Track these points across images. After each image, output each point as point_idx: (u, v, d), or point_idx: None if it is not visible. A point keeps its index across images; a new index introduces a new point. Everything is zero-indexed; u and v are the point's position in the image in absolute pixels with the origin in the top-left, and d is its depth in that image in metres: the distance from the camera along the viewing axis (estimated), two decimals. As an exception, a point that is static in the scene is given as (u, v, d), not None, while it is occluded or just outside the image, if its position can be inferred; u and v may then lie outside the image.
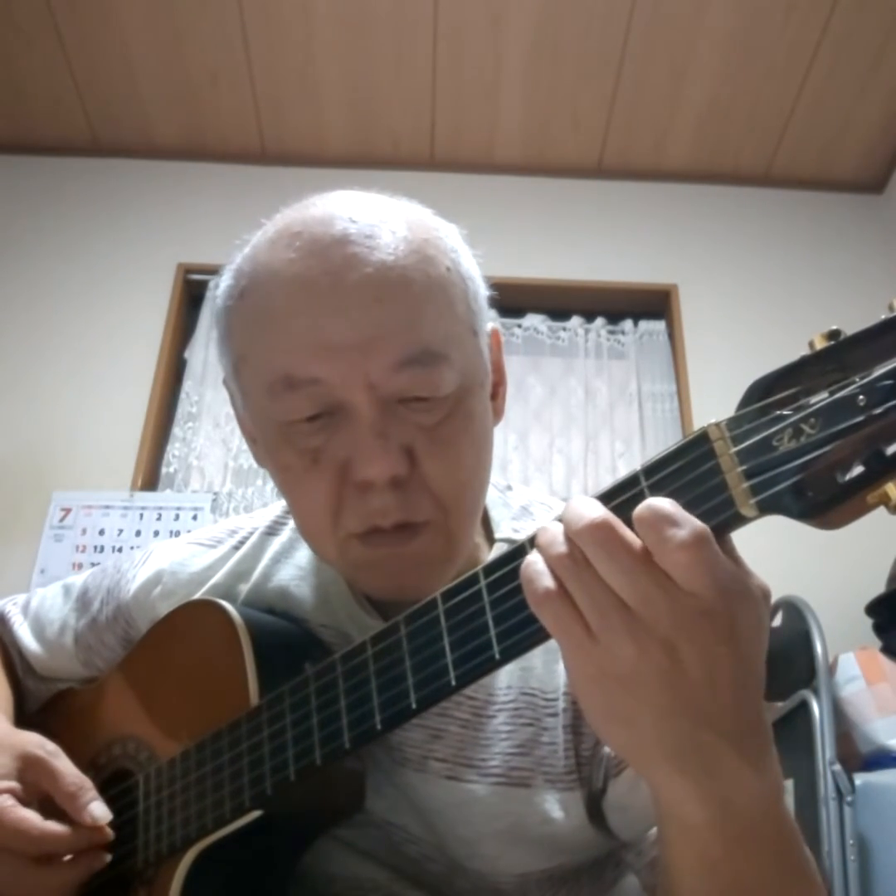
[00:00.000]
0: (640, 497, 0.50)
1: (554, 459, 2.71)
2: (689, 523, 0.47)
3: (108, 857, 0.77)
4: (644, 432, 2.76)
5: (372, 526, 0.70)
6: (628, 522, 0.49)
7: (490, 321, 0.81)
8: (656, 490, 0.50)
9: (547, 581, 0.50)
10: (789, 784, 1.83)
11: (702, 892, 0.56)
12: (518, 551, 0.56)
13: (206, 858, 0.73)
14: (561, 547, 0.50)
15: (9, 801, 0.75)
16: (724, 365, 2.76)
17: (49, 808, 0.78)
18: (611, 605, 0.48)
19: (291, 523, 0.92)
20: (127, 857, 0.79)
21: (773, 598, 2.05)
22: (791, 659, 2.01)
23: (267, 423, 0.73)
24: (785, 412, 0.46)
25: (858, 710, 1.90)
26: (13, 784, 0.77)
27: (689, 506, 0.48)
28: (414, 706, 0.60)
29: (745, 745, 0.50)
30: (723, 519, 0.48)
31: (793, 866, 0.58)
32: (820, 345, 0.47)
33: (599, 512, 0.49)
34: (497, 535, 0.85)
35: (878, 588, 2.15)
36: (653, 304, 3.02)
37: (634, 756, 0.52)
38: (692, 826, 0.52)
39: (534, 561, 0.51)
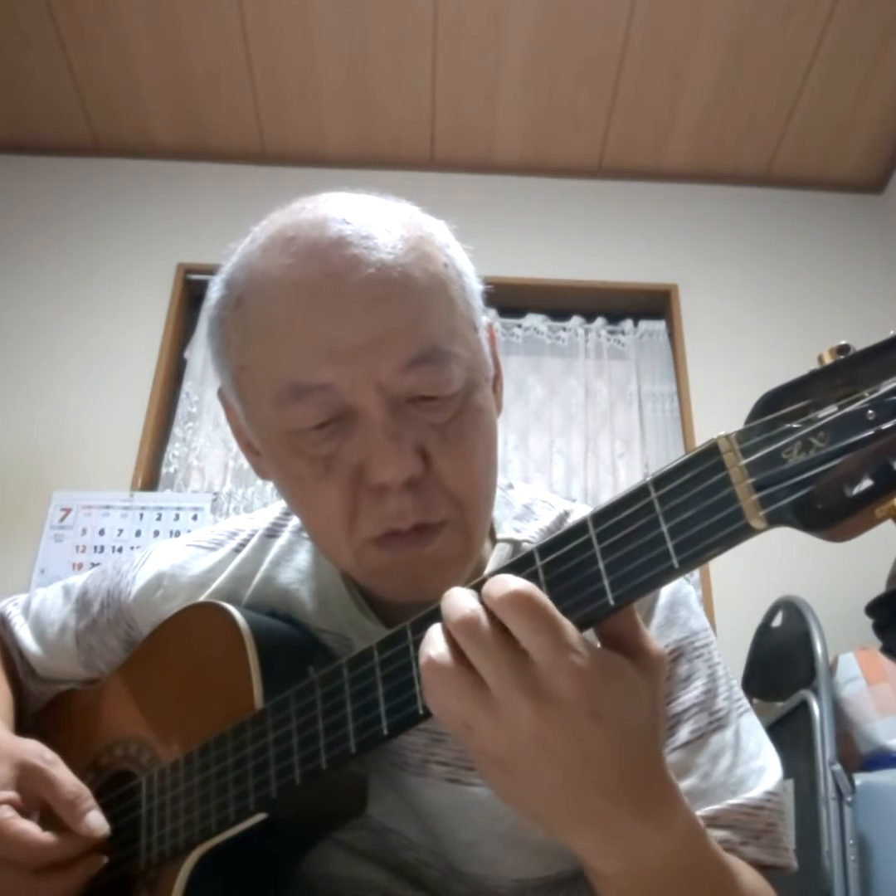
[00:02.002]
0: (650, 508, 0.51)
1: (554, 459, 2.71)
2: (516, 580, 0.51)
3: (105, 860, 0.78)
4: (644, 432, 2.77)
5: (389, 529, 0.70)
6: (632, 536, 0.51)
7: (484, 316, 0.80)
8: (667, 500, 0.50)
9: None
10: (789, 784, 1.83)
11: None
12: (525, 560, 0.56)
13: (209, 861, 0.73)
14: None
15: (8, 813, 0.75)
16: (724, 365, 2.77)
17: (48, 816, 0.78)
18: (474, 699, 0.52)
19: (291, 525, 0.92)
20: (129, 859, 0.80)
21: (774, 598, 2.03)
22: (791, 659, 2.01)
23: (273, 433, 0.72)
24: (794, 425, 0.47)
25: (858, 710, 1.91)
26: (12, 794, 0.77)
27: (699, 516, 0.49)
28: (421, 712, 0.60)
29: (640, 806, 0.53)
30: (732, 530, 0.48)
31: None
32: (829, 359, 0.47)
33: (469, 607, 0.53)
34: (499, 535, 0.85)
35: (878, 588, 2.16)
36: (653, 304, 3.02)
37: (542, 823, 0.55)
38: (606, 875, 0.56)
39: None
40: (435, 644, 0.53)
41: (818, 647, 1.96)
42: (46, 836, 0.75)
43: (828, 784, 1.74)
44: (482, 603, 0.53)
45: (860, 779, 1.76)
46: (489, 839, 0.76)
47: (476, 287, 0.78)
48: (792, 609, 2.09)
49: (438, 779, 0.77)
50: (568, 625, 0.51)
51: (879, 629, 2.12)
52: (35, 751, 0.81)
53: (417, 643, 0.62)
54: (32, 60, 2.85)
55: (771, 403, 0.48)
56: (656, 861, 0.55)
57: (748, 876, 0.70)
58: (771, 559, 2.26)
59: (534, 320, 2.96)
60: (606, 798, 0.51)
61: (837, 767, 1.76)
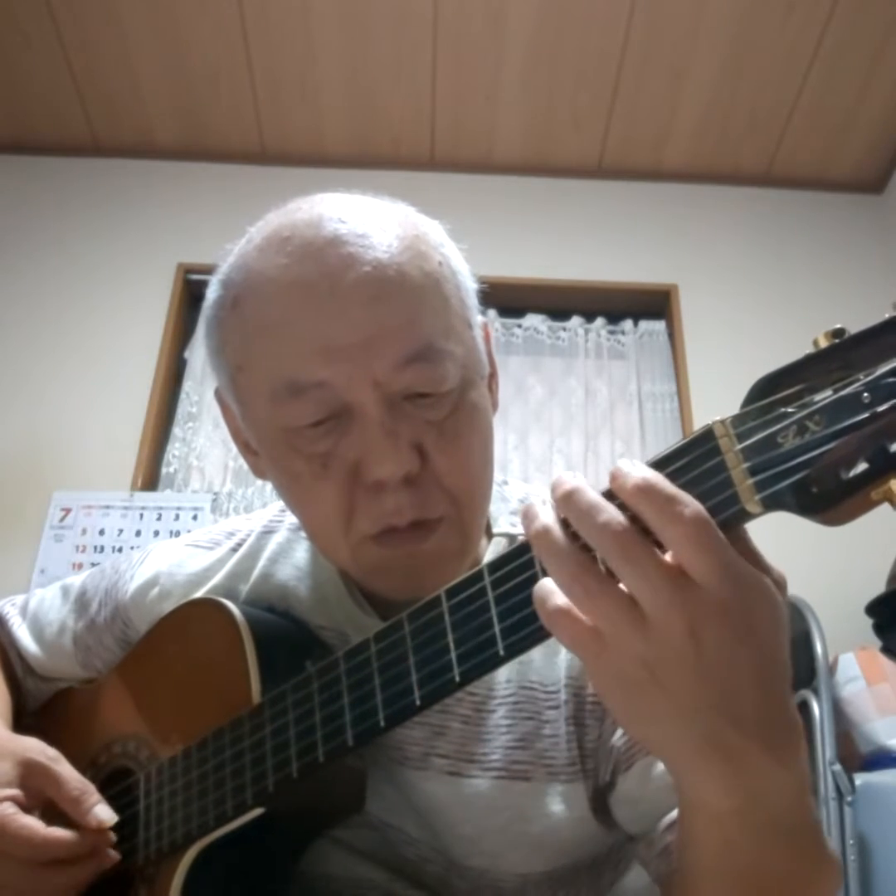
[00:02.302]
0: None
1: (554, 459, 2.71)
2: (694, 503, 0.47)
3: (116, 856, 0.78)
4: (644, 432, 2.76)
5: (386, 526, 0.70)
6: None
7: (479, 315, 0.81)
8: None
9: (558, 598, 0.49)
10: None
11: (722, 873, 0.57)
12: (522, 549, 0.56)
13: (208, 856, 0.73)
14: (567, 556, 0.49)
15: (11, 809, 0.75)
16: (724, 365, 2.76)
17: (51, 813, 0.78)
18: (623, 615, 0.47)
19: (287, 522, 0.92)
20: (128, 855, 0.79)
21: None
22: (791, 659, 2.01)
23: (271, 431, 0.73)
24: (789, 409, 0.47)
25: (858, 710, 1.91)
26: (15, 791, 0.77)
27: None
28: (418, 703, 0.60)
29: (771, 741, 0.49)
30: (727, 515, 0.48)
31: (813, 856, 0.59)
32: (824, 343, 0.47)
33: (615, 514, 0.48)
34: (495, 530, 0.85)
35: (878, 588, 2.16)
36: (653, 304, 3.02)
37: (661, 751, 0.52)
38: (717, 812, 0.52)
39: (545, 581, 0.51)
40: (575, 556, 0.49)
41: (818, 647, 1.96)
42: (49, 832, 0.75)
43: (828, 784, 1.74)
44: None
45: (860, 779, 1.76)
46: (490, 833, 0.76)
47: (471, 285, 0.79)
48: (792, 609, 2.09)
49: (439, 772, 0.77)
50: (731, 548, 0.47)
51: (879, 629, 2.12)
52: (37, 748, 0.81)
53: (414, 634, 0.62)
54: (32, 60, 2.85)
55: (766, 388, 0.48)
56: (775, 805, 0.52)
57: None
58: (770, 559, 2.25)
59: (534, 320, 2.96)
60: (742, 728, 0.48)
61: (837, 767, 1.76)
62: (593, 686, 0.61)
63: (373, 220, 0.72)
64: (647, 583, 0.47)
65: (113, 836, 0.77)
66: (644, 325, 2.98)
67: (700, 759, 0.49)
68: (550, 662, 0.79)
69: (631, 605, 0.47)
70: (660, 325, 2.99)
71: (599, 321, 2.97)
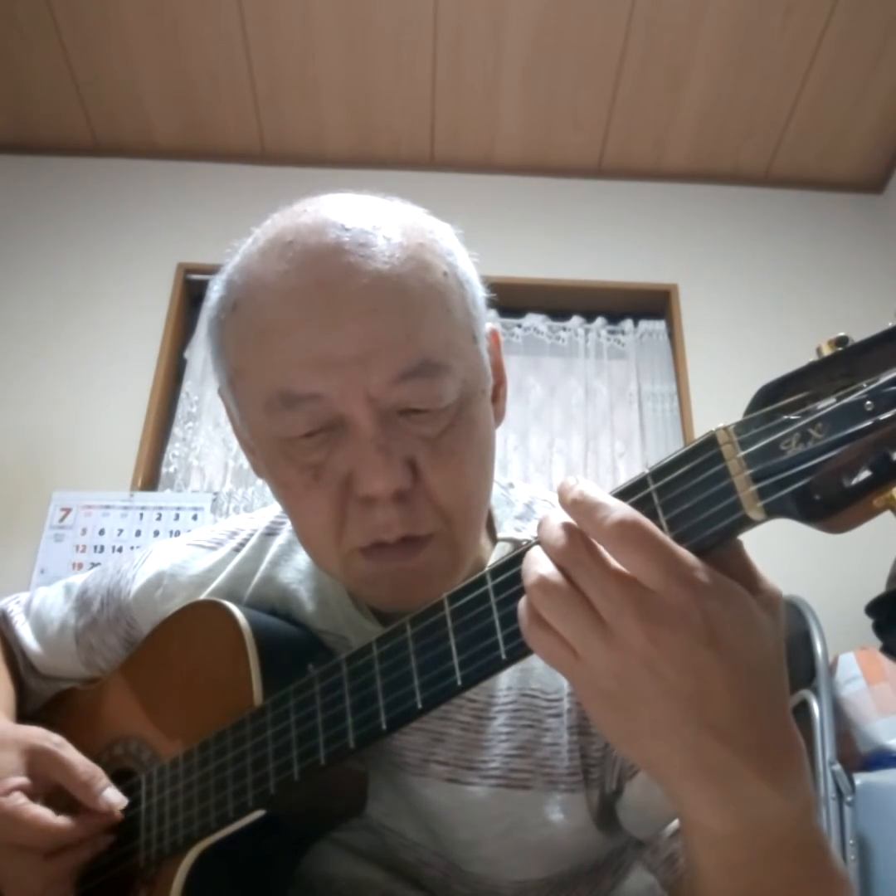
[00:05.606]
0: (648, 500, 0.50)
1: (554, 459, 2.71)
2: (621, 508, 0.47)
3: (110, 838, 0.79)
4: (644, 432, 2.76)
5: (376, 540, 0.70)
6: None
7: (488, 322, 0.79)
8: (664, 492, 0.50)
9: (527, 609, 0.50)
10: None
11: (724, 893, 0.56)
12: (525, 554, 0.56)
13: (208, 857, 0.74)
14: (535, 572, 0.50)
15: (21, 799, 0.76)
16: (724, 365, 2.77)
17: (55, 799, 0.79)
18: (585, 622, 0.48)
19: (288, 524, 0.92)
20: (129, 856, 0.80)
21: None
22: (791, 659, 2.00)
23: (265, 438, 0.72)
24: (793, 417, 0.47)
25: (858, 710, 1.91)
26: (22, 780, 0.78)
27: (697, 508, 0.49)
28: (420, 706, 0.60)
29: (766, 763, 0.48)
30: (731, 522, 0.48)
31: (821, 875, 0.58)
32: (827, 351, 0.47)
33: (568, 532, 0.49)
34: (500, 535, 0.85)
35: (878, 588, 2.16)
36: (653, 304, 3.02)
37: (650, 770, 0.51)
38: (715, 837, 0.52)
39: (521, 605, 0.51)
40: (543, 563, 0.50)
41: (818, 647, 1.96)
42: (60, 820, 0.76)
43: (828, 784, 1.74)
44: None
45: (860, 779, 1.76)
46: (489, 839, 0.76)
47: (479, 295, 0.77)
48: (792, 609, 2.09)
49: (437, 778, 0.77)
50: (681, 549, 0.47)
51: (879, 629, 2.12)
52: (41, 734, 0.82)
53: (416, 637, 0.62)
54: (32, 60, 2.85)
55: (769, 395, 0.48)
56: (777, 828, 0.50)
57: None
58: (771, 559, 2.24)
59: (534, 320, 2.96)
60: (728, 746, 0.46)
61: (837, 767, 1.76)
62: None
63: (377, 227, 0.70)
64: (599, 589, 0.47)
65: (120, 816, 0.79)
66: (644, 324, 2.98)
67: (690, 778, 0.48)
68: (552, 670, 0.79)
69: (592, 614, 0.48)
70: (660, 325, 2.99)
71: (599, 321, 2.97)
